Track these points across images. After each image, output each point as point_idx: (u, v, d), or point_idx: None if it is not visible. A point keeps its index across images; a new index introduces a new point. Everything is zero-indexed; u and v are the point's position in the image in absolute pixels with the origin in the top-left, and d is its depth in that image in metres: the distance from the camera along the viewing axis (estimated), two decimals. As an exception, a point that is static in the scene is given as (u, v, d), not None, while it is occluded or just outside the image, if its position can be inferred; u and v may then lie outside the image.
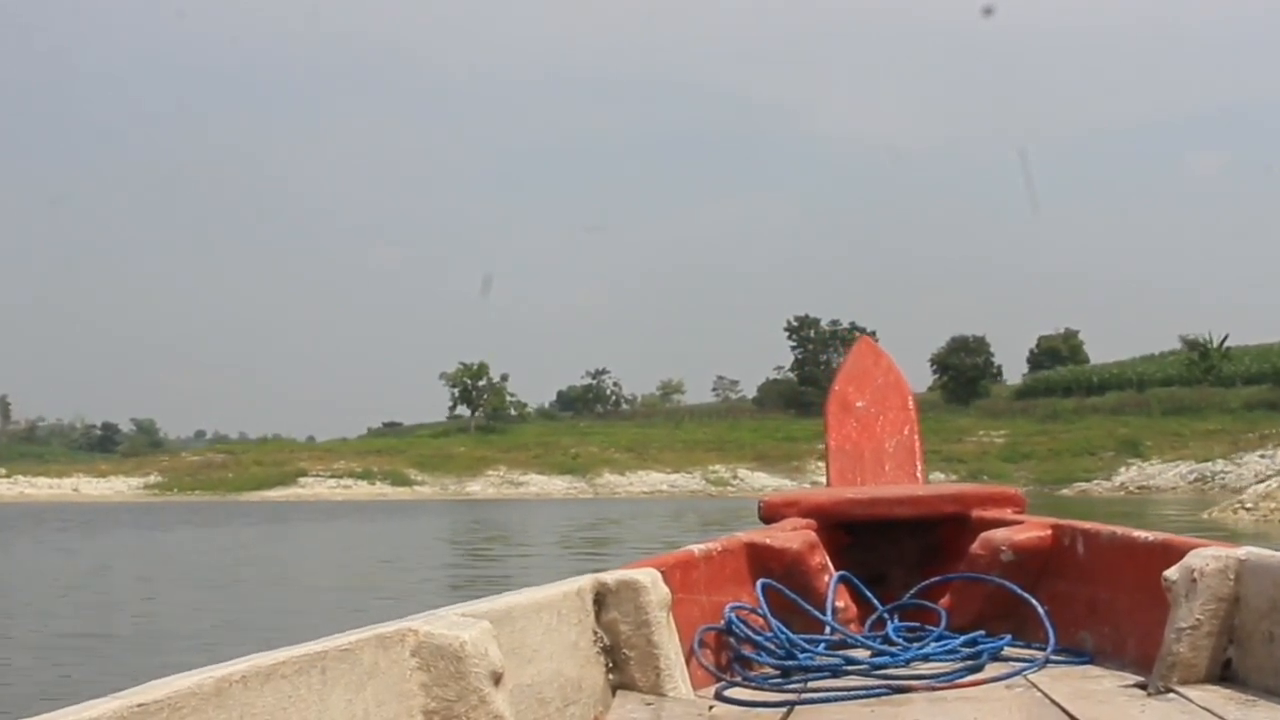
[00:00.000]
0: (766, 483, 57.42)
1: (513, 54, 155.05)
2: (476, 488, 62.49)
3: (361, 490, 61.41)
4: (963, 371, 72.20)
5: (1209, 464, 49.38)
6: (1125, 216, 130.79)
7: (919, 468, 3.98)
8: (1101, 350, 79.37)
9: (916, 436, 4.03)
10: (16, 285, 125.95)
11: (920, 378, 69.94)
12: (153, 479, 65.18)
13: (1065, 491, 47.99)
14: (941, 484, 4.73)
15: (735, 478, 61.40)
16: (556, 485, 62.24)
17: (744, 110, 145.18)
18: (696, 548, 2.84)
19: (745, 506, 32.87)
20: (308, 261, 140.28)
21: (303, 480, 63.30)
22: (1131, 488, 48.81)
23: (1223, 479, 45.85)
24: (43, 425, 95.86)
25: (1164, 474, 50.64)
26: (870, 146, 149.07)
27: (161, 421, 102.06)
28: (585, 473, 63.56)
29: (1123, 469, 54.03)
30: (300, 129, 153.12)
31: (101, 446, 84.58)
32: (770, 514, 3.43)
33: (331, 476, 63.75)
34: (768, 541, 3.08)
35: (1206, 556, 2.26)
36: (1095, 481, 51.54)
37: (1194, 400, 62.84)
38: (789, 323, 77.55)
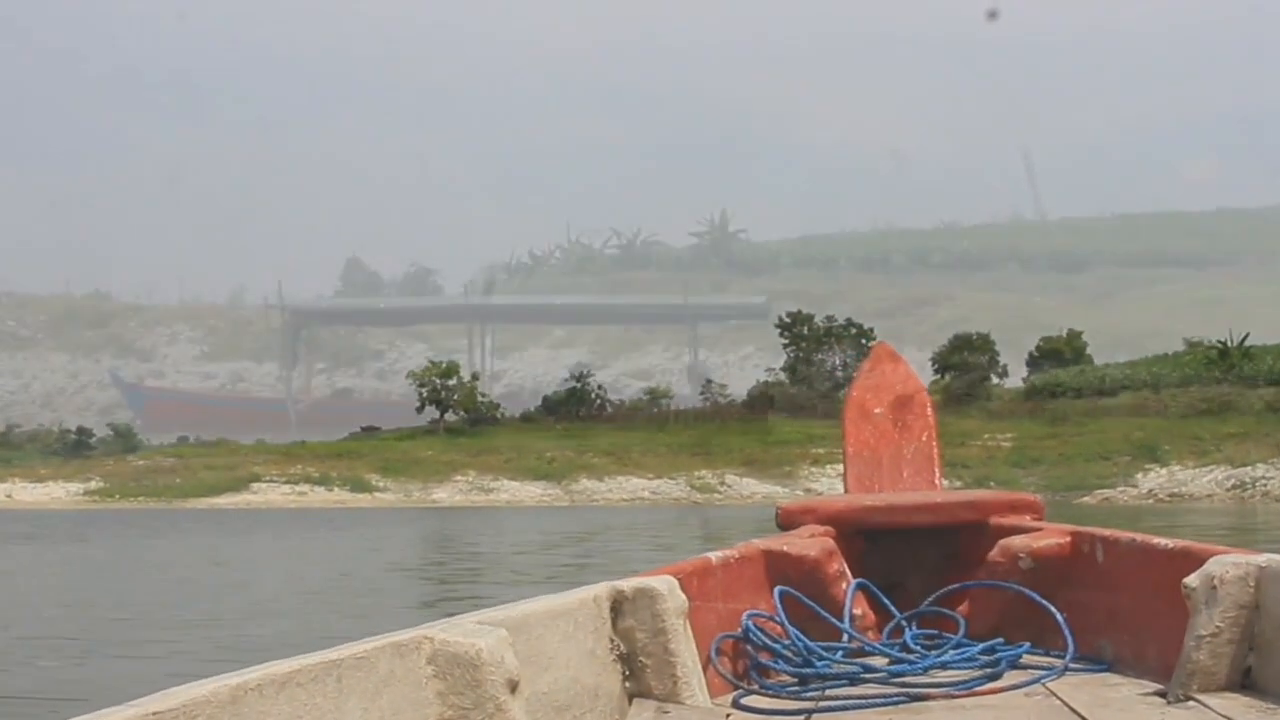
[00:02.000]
0: (756, 489, 57.36)
1: (514, 57, 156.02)
2: (443, 494, 62.22)
3: (318, 497, 61.08)
4: (966, 371, 72.34)
5: (1248, 469, 48.14)
6: (1125, 216, 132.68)
7: (937, 475, 4.11)
8: (1103, 351, 79.60)
9: (935, 443, 4.17)
10: None
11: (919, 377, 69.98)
12: (93, 484, 64.76)
13: (1086, 499, 46.76)
14: (960, 491, 4.87)
15: (723, 484, 61.17)
16: (530, 492, 62.00)
17: (743, 114, 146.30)
18: (714, 555, 2.97)
19: (739, 517, 32.34)
20: (301, 263, 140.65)
21: (255, 486, 62.98)
22: (1162, 495, 47.45)
23: (1265, 485, 44.82)
24: (19, 430, 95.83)
25: (1196, 480, 49.32)
26: (870, 147, 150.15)
27: (144, 426, 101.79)
28: (561, 479, 63.35)
29: (1140, 474, 53.70)
30: (299, 130, 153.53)
31: (76, 451, 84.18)
32: (788, 521, 3.57)
33: (286, 482, 63.41)
34: (785, 549, 3.22)
35: (1227, 564, 2.39)
36: (1119, 489, 50.61)
37: (1214, 402, 62.96)
38: (780, 319, 77.29)
